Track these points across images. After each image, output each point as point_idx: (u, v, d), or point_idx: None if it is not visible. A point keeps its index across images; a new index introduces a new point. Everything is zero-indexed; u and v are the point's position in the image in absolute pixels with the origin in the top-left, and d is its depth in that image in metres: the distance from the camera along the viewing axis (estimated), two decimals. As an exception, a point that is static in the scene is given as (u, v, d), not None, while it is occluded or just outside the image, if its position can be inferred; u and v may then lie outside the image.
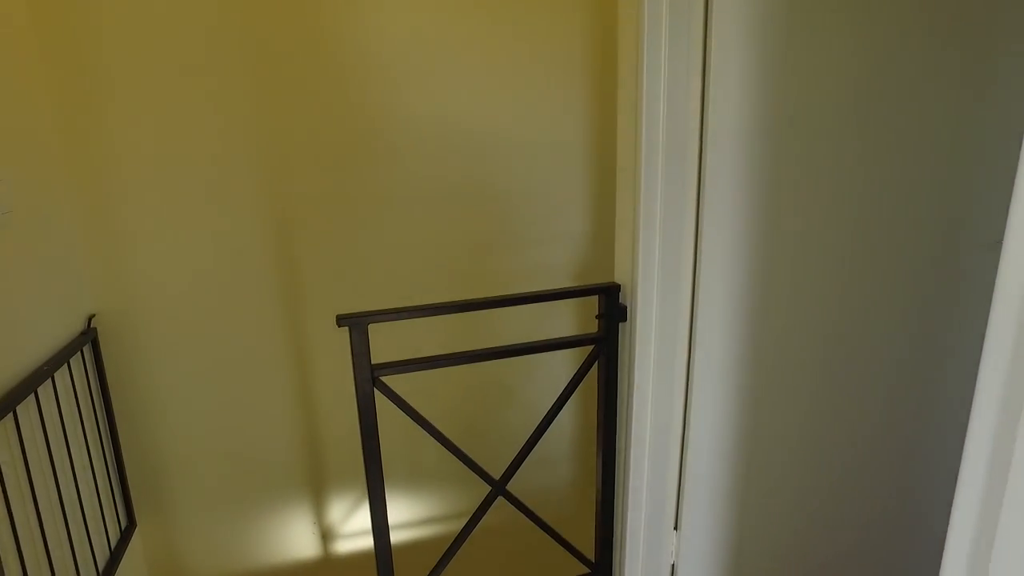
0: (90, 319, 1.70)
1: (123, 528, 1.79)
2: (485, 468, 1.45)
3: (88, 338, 1.67)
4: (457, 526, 1.49)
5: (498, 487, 1.44)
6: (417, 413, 1.33)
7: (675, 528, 1.56)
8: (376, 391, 1.28)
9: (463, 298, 1.98)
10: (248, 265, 1.83)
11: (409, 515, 2.18)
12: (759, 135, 1.37)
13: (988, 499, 0.63)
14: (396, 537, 2.18)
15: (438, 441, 1.36)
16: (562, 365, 2.10)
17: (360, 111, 1.80)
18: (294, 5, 1.69)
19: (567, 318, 2.12)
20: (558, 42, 1.89)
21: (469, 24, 1.82)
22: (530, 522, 1.53)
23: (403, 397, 1.31)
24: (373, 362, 1.27)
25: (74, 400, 1.57)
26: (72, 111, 1.61)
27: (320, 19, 1.72)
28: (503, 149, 1.93)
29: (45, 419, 1.41)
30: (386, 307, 1.31)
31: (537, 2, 1.85)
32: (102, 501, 1.66)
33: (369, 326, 1.25)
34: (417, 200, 1.91)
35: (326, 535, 2.13)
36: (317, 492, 2.08)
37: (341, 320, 1.22)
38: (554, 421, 1.45)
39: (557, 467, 2.30)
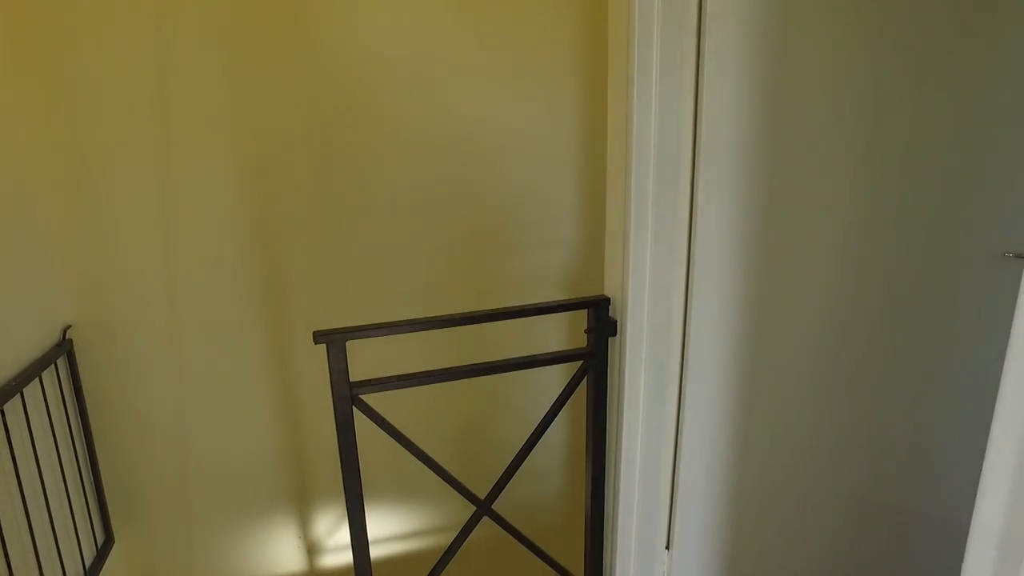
0: (66, 330, 1.65)
1: (100, 544, 1.74)
2: (476, 478, 1.41)
3: (63, 349, 1.62)
4: (447, 539, 1.45)
5: (483, 507, 1.40)
6: (399, 432, 1.28)
7: (667, 547, 1.52)
8: (356, 409, 1.24)
9: (453, 307, 1.94)
10: (230, 275, 1.78)
11: (397, 528, 2.13)
12: (755, 144, 1.33)
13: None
14: (384, 551, 2.14)
15: (421, 460, 1.32)
16: (554, 372, 2.06)
17: (346, 119, 1.76)
18: (280, 10, 1.65)
19: (561, 326, 2.07)
20: (552, 47, 1.84)
21: (458, 30, 1.77)
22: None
23: (390, 407, 1.27)
24: (356, 377, 1.23)
25: (46, 413, 1.52)
26: (49, 116, 1.57)
27: (306, 25, 1.67)
28: (494, 156, 1.89)
29: (15, 433, 1.36)
30: (373, 317, 1.27)
31: (530, 9, 1.80)
32: (76, 517, 1.61)
33: (354, 340, 1.20)
34: (405, 209, 1.86)
35: (312, 549, 2.08)
36: (302, 505, 2.04)
37: (318, 337, 1.17)
38: (545, 431, 1.41)
39: (548, 477, 2.25)
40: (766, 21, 1.26)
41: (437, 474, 1.33)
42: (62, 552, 1.51)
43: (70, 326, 1.66)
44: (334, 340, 1.17)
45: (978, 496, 0.65)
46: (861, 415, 1.61)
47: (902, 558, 1.77)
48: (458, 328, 1.80)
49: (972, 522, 0.66)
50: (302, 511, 2.04)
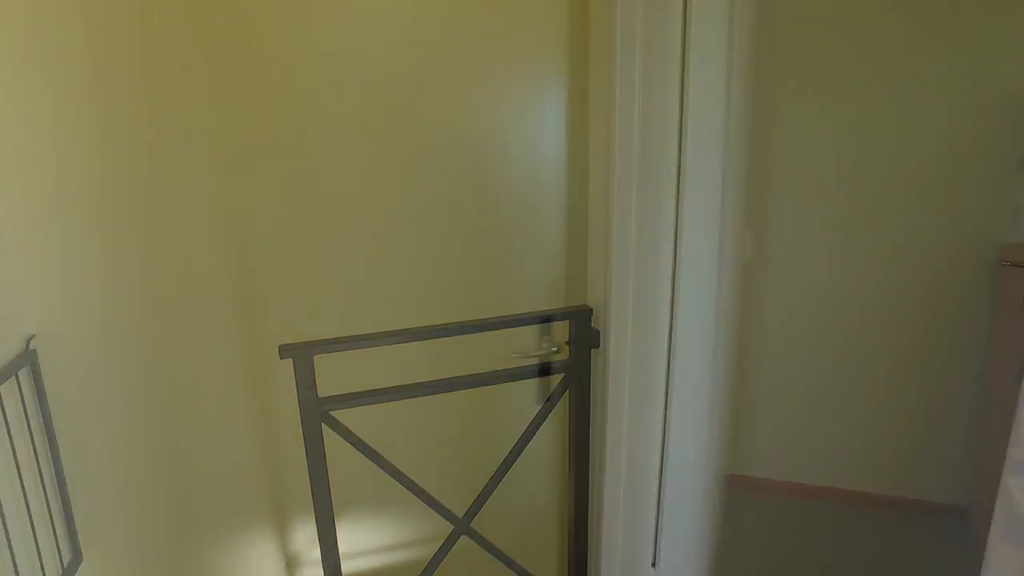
0: (29, 340, 1.59)
1: (66, 563, 1.67)
2: (461, 487, 1.35)
3: (26, 360, 1.55)
4: (429, 551, 1.39)
5: (461, 525, 1.34)
6: (372, 451, 1.23)
7: (653, 565, 1.47)
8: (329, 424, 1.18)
9: (437, 316, 1.88)
10: (205, 283, 1.72)
11: (377, 541, 2.08)
12: (742, 147, 1.28)
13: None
14: (364, 564, 2.08)
15: (396, 479, 1.26)
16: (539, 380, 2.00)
17: (322, 123, 1.70)
18: (257, 9, 1.59)
19: (553, 334, 2.02)
20: (537, 46, 1.78)
21: (441, 31, 1.71)
22: (503, 547, 1.44)
23: (367, 419, 1.22)
24: (336, 389, 1.18)
25: (6, 426, 1.46)
26: (13, 106, 1.50)
27: (285, 23, 1.61)
28: (478, 161, 1.83)
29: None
30: (353, 328, 1.21)
31: (517, 13, 1.74)
32: (38, 535, 1.54)
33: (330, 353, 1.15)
34: (386, 214, 1.80)
35: (291, 563, 2.02)
36: (281, 518, 1.98)
37: (284, 351, 1.11)
38: (525, 447, 1.36)
39: (532, 487, 2.19)
40: (755, 20, 1.21)
41: (413, 492, 1.28)
42: (22, 573, 1.45)
43: (34, 336, 1.60)
44: (300, 354, 1.11)
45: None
46: (852, 419, 1.57)
47: (896, 556, 1.73)
48: (439, 342, 1.76)
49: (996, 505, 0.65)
50: (281, 524, 1.98)
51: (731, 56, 1.17)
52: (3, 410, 1.45)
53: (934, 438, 2.31)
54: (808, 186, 2.27)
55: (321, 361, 1.22)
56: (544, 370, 1.31)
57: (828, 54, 2.08)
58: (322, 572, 2.08)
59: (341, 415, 1.19)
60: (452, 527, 1.34)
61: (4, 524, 1.42)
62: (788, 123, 2.21)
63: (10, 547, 1.42)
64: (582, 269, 1.74)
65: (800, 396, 2.20)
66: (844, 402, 2.22)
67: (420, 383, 1.23)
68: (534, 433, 1.31)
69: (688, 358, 1.33)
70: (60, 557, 1.66)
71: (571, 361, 1.30)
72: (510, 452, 1.32)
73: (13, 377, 1.50)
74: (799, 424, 2.20)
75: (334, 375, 1.31)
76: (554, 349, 1.23)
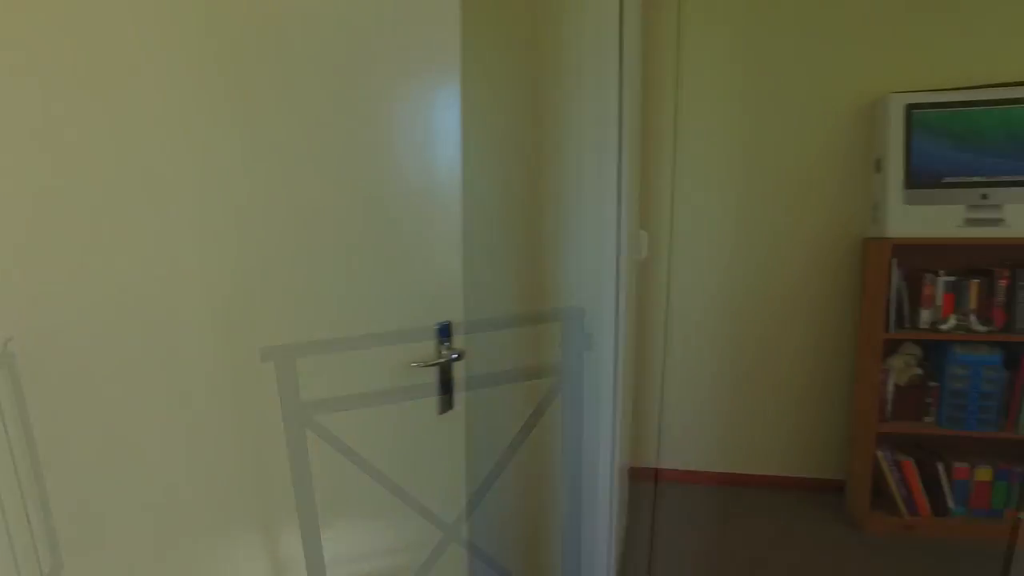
0: (6, 343, 1.55)
1: (47, 572, 1.63)
2: (450, 490, 1.32)
3: (3, 363, 1.51)
4: (421, 556, 1.35)
5: (451, 532, 1.31)
6: (359, 456, 1.19)
7: (647, 573, 1.44)
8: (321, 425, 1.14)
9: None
10: (192, 278, 1.68)
11: (367, 546, 2.04)
12: (729, 140, 1.25)
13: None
14: (352, 571, 2.04)
15: (384, 486, 1.22)
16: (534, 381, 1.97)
17: (311, 107, 1.65)
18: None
19: (544, 334, 1.99)
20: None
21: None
22: (494, 553, 1.41)
23: (355, 422, 1.18)
24: (316, 395, 1.13)
25: (-17, 435, 1.42)
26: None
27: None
28: (470, 155, 1.79)
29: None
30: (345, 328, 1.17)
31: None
32: (16, 543, 1.50)
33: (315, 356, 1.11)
34: (375, 212, 1.76)
35: (278, 570, 1.99)
36: (268, 525, 1.94)
37: (264, 354, 1.07)
38: (516, 450, 1.32)
39: (524, 490, 2.17)
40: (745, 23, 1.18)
41: (400, 498, 1.24)
42: (-1, 582, 1.41)
43: (11, 338, 1.56)
44: (282, 357, 1.08)
45: None
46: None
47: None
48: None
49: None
50: (267, 531, 1.94)
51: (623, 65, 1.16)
52: (-22, 415, 1.41)
53: (814, 420, 2.54)
54: (694, 187, 2.46)
55: (313, 365, 1.19)
56: (445, 380, 1.27)
57: (712, 65, 2.32)
58: (312, 577, 2.04)
59: (327, 420, 1.15)
60: (438, 543, 1.31)
61: (-22, 533, 1.37)
62: (676, 127, 2.40)
63: (-15, 557, 1.38)
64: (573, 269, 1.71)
65: (691, 390, 2.24)
66: (734, 393, 2.32)
67: (403, 387, 1.20)
68: (525, 437, 1.28)
69: (685, 357, 1.30)
70: (40, 565, 1.62)
71: (562, 364, 1.27)
72: (500, 456, 1.29)
73: (-11, 381, 1.46)
74: (693, 416, 2.28)
75: (328, 379, 1.27)
76: (454, 356, 1.20)
